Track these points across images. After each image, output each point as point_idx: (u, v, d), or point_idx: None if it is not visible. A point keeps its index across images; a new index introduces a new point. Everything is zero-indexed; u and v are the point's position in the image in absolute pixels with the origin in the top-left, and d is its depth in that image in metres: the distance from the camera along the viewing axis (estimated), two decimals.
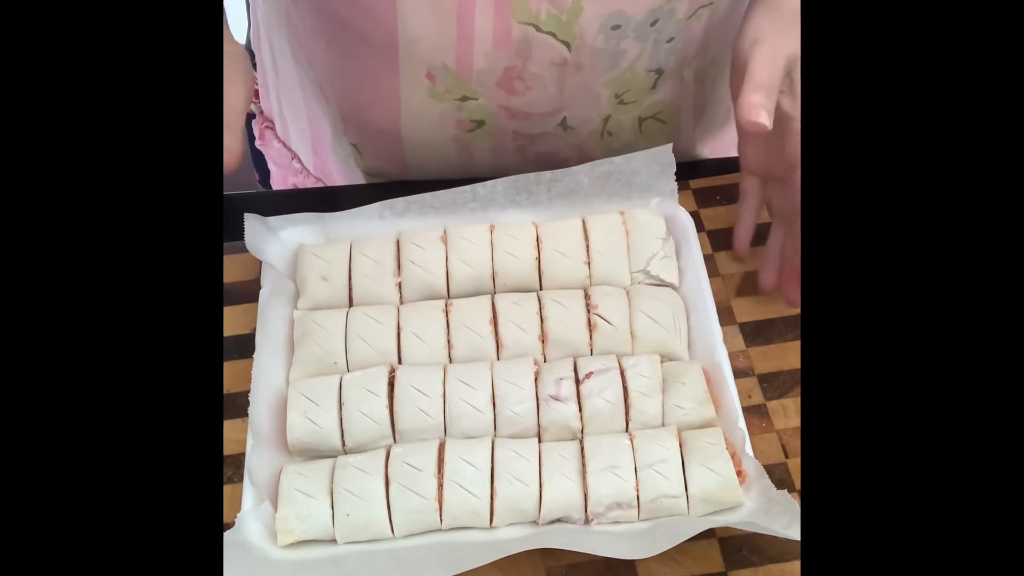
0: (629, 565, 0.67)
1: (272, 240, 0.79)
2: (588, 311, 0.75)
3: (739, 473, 0.68)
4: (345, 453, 0.71)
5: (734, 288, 0.82)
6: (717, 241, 0.84)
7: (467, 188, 0.81)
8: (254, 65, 1.04)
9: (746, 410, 0.73)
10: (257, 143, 1.07)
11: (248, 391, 0.74)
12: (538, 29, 0.77)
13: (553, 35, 0.77)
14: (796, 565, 0.67)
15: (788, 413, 0.75)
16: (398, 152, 0.90)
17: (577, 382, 0.72)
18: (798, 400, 0.75)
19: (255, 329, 0.77)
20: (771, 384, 0.76)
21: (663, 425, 0.71)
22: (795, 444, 0.73)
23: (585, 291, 0.77)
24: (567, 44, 0.78)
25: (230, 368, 0.76)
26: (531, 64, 0.80)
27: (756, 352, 0.78)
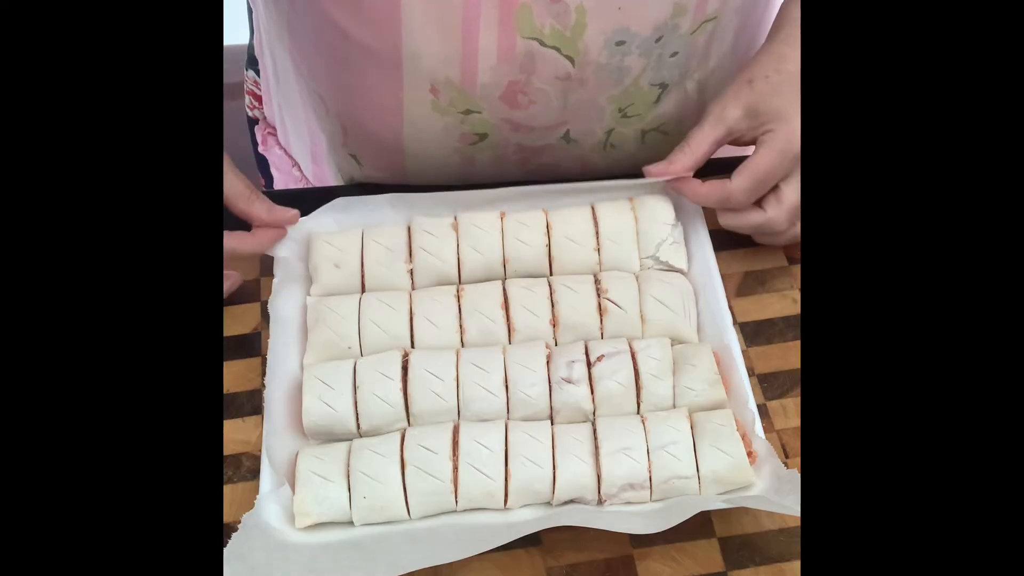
0: (629, 565, 0.68)
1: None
2: (598, 295, 0.76)
3: (749, 454, 0.69)
4: (360, 436, 0.71)
5: (734, 288, 0.82)
6: (718, 241, 0.83)
7: (475, 192, 0.82)
8: (257, 72, 1.04)
9: None
10: (260, 148, 1.07)
11: (249, 391, 0.75)
12: (542, 44, 0.77)
13: (557, 50, 0.77)
14: (796, 565, 0.67)
15: (788, 413, 0.75)
16: (399, 163, 0.90)
17: (589, 365, 0.72)
18: (798, 400, 0.75)
19: (255, 329, 0.77)
20: (771, 384, 0.76)
21: (674, 407, 0.72)
22: (795, 444, 0.73)
23: (595, 276, 0.77)
24: (571, 59, 0.78)
25: (230, 368, 0.76)
26: (535, 79, 0.80)
27: (756, 352, 0.78)
